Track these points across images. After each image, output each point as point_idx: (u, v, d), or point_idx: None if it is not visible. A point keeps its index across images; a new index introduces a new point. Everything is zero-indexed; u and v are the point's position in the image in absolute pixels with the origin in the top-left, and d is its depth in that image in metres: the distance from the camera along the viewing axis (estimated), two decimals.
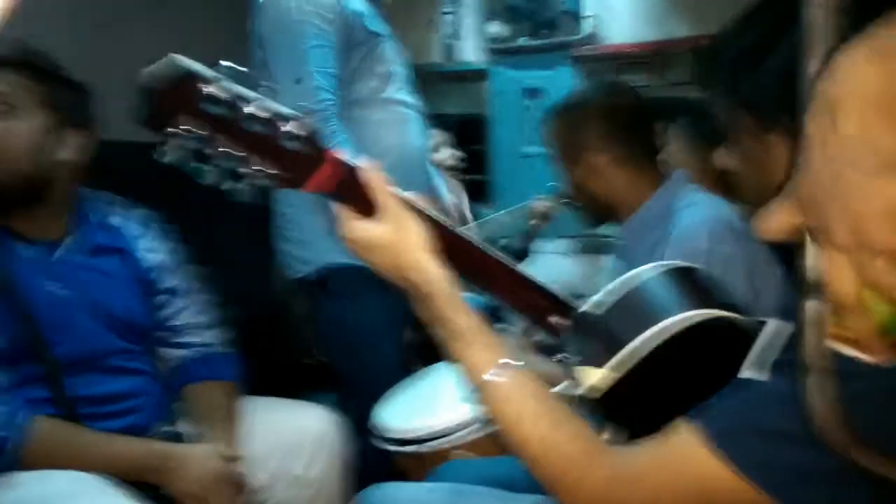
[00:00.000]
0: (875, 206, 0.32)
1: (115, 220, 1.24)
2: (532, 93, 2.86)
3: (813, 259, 0.38)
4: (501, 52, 2.86)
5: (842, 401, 0.38)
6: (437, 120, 1.92)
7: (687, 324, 0.67)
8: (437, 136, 2.29)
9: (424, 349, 1.80)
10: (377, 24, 1.51)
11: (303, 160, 0.63)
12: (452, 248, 0.70)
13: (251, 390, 1.34)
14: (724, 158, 0.66)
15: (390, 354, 1.61)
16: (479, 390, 0.63)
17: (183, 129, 0.57)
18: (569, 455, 0.58)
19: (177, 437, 1.17)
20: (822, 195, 0.33)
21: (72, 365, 1.08)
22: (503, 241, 2.38)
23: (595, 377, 0.69)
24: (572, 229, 2.86)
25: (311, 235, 1.50)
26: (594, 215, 1.27)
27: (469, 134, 2.98)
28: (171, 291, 1.27)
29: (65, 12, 1.80)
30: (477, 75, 2.95)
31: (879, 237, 0.32)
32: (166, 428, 1.18)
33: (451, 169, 2.46)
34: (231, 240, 2.14)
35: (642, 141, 1.19)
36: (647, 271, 0.75)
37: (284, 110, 0.62)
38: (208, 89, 0.57)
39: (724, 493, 0.48)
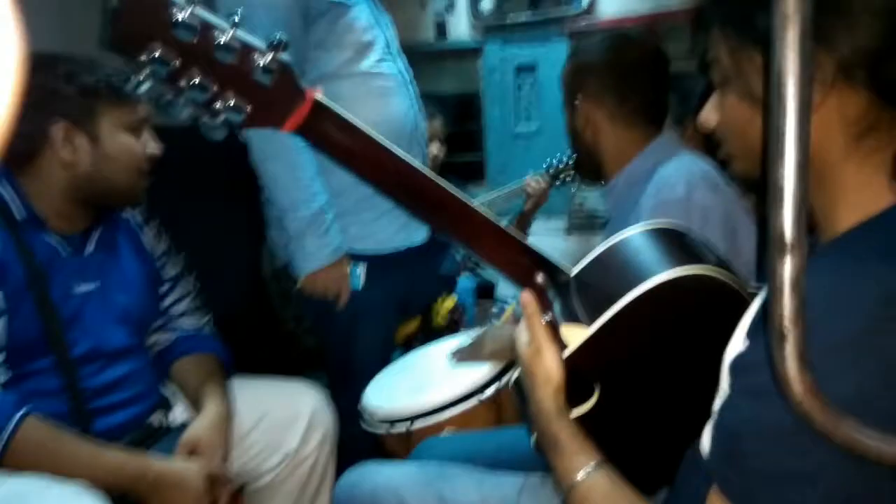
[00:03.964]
0: None
1: (126, 213, 1.24)
2: (525, 70, 2.82)
3: (787, 216, 0.36)
4: (494, 28, 2.81)
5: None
6: (429, 100, 1.86)
7: (667, 279, 0.65)
8: (431, 127, 2.22)
9: (429, 336, 1.80)
10: None
11: (279, 97, 0.61)
12: (438, 204, 0.70)
13: (244, 373, 1.34)
14: (711, 113, 0.64)
15: (379, 339, 1.59)
16: (568, 492, 0.66)
17: (154, 57, 0.55)
18: None
19: (170, 430, 1.17)
20: None
21: (83, 360, 1.08)
22: (501, 223, 2.35)
23: (577, 334, 0.69)
24: (565, 207, 2.84)
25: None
26: (587, 169, 1.26)
27: (463, 113, 2.94)
28: (172, 280, 1.29)
29: None
30: (469, 53, 2.90)
31: None
32: (158, 420, 1.18)
33: (435, 165, 2.37)
34: (222, 228, 2.12)
35: (643, 101, 1.16)
36: (631, 230, 0.75)
37: (256, 42, 0.59)
38: (180, 15, 0.55)
39: None
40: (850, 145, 0.53)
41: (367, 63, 1.42)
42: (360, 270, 1.47)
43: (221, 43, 0.57)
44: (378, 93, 1.44)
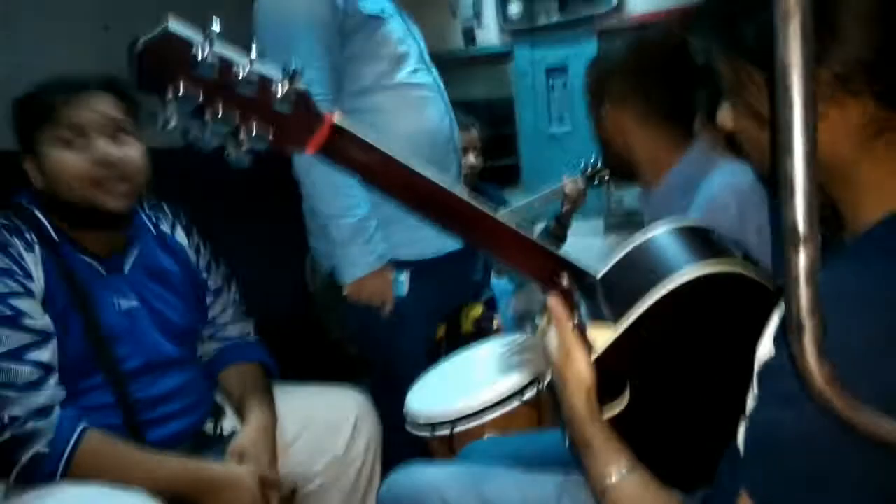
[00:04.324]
0: None
1: (166, 228, 1.28)
2: (556, 71, 2.81)
3: (799, 209, 0.36)
4: (523, 31, 2.81)
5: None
6: (462, 107, 1.88)
7: (693, 276, 0.65)
8: (468, 138, 2.23)
9: (455, 342, 1.82)
10: (374, 5, 1.43)
11: (299, 122, 0.64)
12: (460, 216, 0.71)
13: (290, 380, 1.39)
14: (726, 118, 0.64)
15: (421, 344, 1.61)
16: (601, 495, 0.66)
17: (179, 94, 0.59)
18: None
19: (222, 437, 1.21)
20: None
21: (134, 374, 1.12)
22: (540, 226, 2.35)
23: (604, 334, 0.69)
24: (602, 207, 2.81)
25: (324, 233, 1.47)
26: (619, 173, 1.24)
27: (496, 118, 2.95)
28: (217, 291, 1.33)
29: None
30: (500, 58, 2.91)
31: None
32: (211, 428, 1.23)
33: (470, 176, 2.38)
34: (267, 238, 2.19)
35: (671, 101, 1.13)
36: (656, 229, 0.75)
37: (273, 73, 0.63)
38: (200, 54, 0.59)
39: None
40: (862, 147, 0.52)
41: (403, 74, 1.46)
42: (404, 277, 1.49)
43: (241, 78, 0.60)
44: (415, 103, 1.47)
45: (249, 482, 1.07)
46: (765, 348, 0.55)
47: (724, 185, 1.05)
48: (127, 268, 1.17)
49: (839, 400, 0.36)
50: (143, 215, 1.25)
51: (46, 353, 1.01)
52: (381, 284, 1.45)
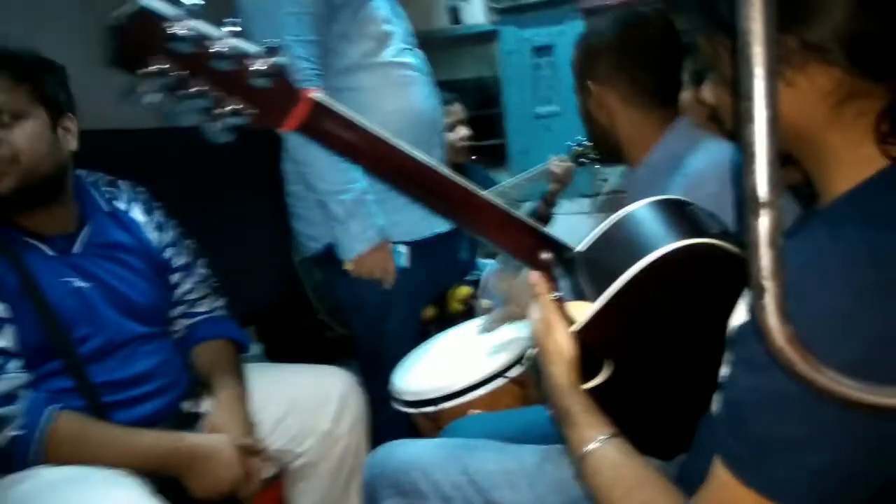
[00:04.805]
0: None
1: (122, 205, 1.26)
2: (542, 51, 2.80)
3: (759, 173, 0.37)
4: (509, 10, 2.80)
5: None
6: (448, 87, 1.88)
7: (671, 250, 0.66)
8: (452, 112, 2.23)
9: (443, 322, 1.83)
10: None
11: (276, 98, 0.64)
12: (441, 191, 0.72)
13: (276, 361, 1.38)
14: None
15: (409, 323, 1.62)
16: (580, 462, 0.68)
17: (154, 70, 0.59)
18: None
19: (196, 417, 1.21)
20: None
21: (95, 355, 1.11)
22: (526, 207, 2.36)
23: (584, 311, 0.70)
24: (590, 188, 2.82)
25: (318, 212, 1.48)
26: (604, 152, 1.24)
27: (482, 98, 2.94)
28: (184, 268, 1.31)
29: None
30: (485, 37, 2.90)
31: None
32: (188, 407, 1.22)
33: (462, 150, 2.38)
34: (251, 222, 2.19)
35: (655, 80, 1.14)
36: (635, 205, 0.75)
37: (249, 48, 0.62)
38: (172, 28, 0.58)
39: None
40: (830, 114, 0.53)
41: (388, 53, 1.45)
42: (404, 248, 1.51)
43: (217, 52, 0.60)
44: (400, 83, 1.47)
45: (229, 451, 1.07)
46: (738, 317, 0.56)
47: (708, 160, 1.06)
48: (77, 247, 1.14)
49: (799, 359, 0.37)
50: (96, 193, 1.23)
51: (2, 340, 1.00)
52: (383, 258, 1.47)
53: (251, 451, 1.12)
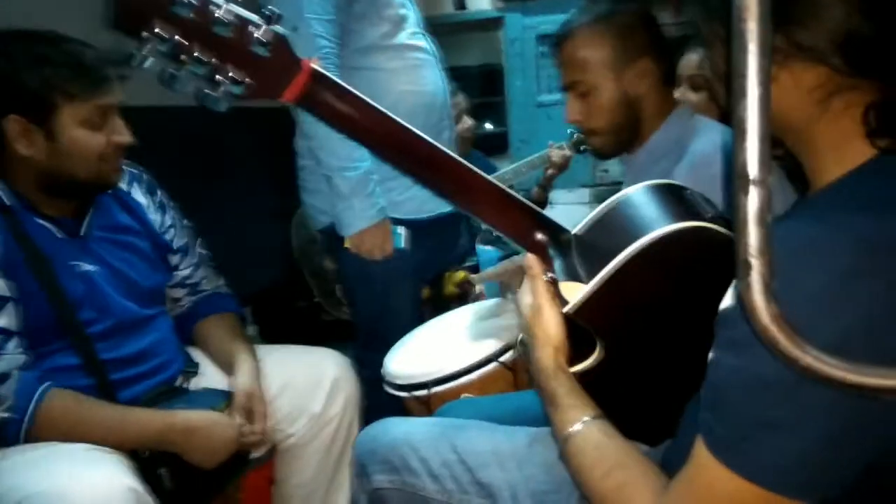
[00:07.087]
0: None
1: (123, 185, 1.26)
2: (547, 38, 2.79)
3: (750, 151, 0.37)
4: None
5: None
6: (452, 73, 1.87)
7: (664, 233, 0.66)
8: (456, 103, 2.23)
9: (437, 304, 1.84)
10: None
11: (277, 67, 0.64)
12: (440, 169, 0.72)
13: (272, 342, 1.39)
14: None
15: (408, 305, 1.63)
16: (564, 443, 0.68)
17: (155, 34, 0.59)
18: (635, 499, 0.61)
19: (187, 391, 1.22)
20: None
21: (101, 336, 1.12)
22: (522, 193, 2.36)
23: (578, 293, 0.70)
24: (590, 178, 2.82)
25: (327, 186, 1.48)
26: (615, 142, 1.17)
27: (486, 84, 2.94)
28: (184, 249, 1.33)
29: None
30: (491, 24, 2.88)
31: None
32: (180, 382, 1.24)
33: (467, 140, 2.40)
34: (248, 202, 2.19)
35: (670, 62, 1.14)
36: (631, 189, 0.75)
37: (251, 16, 0.62)
38: None
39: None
40: (817, 107, 0.53)
41: (403, 36, 1.49)
42: (402, 230, 1.53)
43: (217, 17, 0.60)
44: (413, 64, 1.51)
45: (226, 423, 1.10)
46: (727, 300, 0.56)
47: (710, 142, 1.06)
48: (83, 230, 1.15)
49: (783, 338, 0.37)
50: None
51: (3, 319, 1.00)
52: (381, 237, 1.49)
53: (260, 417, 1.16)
